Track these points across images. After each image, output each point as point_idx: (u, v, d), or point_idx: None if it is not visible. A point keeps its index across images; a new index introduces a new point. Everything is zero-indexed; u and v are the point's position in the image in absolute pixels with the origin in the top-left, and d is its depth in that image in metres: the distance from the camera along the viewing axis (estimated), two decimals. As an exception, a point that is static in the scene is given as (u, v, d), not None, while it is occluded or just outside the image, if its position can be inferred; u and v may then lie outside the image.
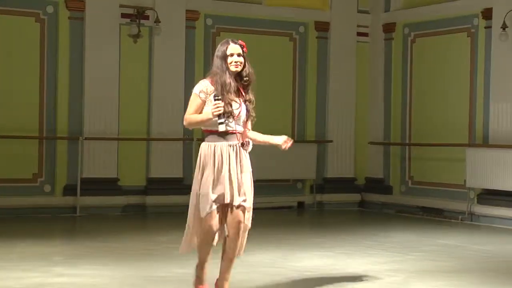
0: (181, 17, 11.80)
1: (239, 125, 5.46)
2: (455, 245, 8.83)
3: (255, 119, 5.59)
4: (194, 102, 5.45)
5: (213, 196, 5.36)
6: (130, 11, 11.50)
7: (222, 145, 5.41)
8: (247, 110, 5.50)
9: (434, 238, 9.42)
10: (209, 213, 5.35)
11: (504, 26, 10.68)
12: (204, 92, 5.42)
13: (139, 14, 11.50)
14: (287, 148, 5.64)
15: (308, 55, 12.78)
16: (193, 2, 11.93)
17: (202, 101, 5.42)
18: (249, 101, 5.50)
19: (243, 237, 5.47)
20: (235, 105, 5.41)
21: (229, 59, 5.43)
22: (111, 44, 11.36)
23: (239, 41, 5.53)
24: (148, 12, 11.58)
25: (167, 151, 11.67)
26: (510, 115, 10.85)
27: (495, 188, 10.84)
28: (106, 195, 11.20)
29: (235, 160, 5.41)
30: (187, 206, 12.48)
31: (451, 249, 8.50)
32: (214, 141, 5.43)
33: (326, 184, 12.76)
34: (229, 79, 5.40)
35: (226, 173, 5.37)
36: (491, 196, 10.96)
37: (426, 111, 12.29)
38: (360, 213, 12.53)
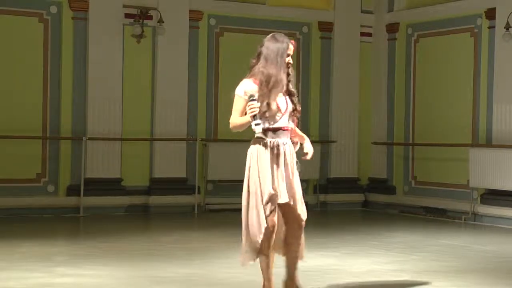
0: (185, 17, 11.80)
1: (287, 121, 5.37)
2: (459, 245, 8.82)
3: (299, 113, 5.52)
4: (237, 104, 5.32)
5: (273, 194, 5.21)
6: (134, 11, 11.50)
7: (273, 143, 5.31)
8: (293, 106, 5.41)
9: (437, 238, 9.41)
10: (273, 211, 5.21)
11: (507, 26, 10.67)
12: (246, 92, 5.29)
13: (142, 14, 11.50)
14: (306, 158, 5.51)
15: (311, 55, 12.77)
16: (196, 2, 11.92)
17: (246, 101, 5.27)
18: (293, 95, 5.43)
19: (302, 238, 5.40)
20: (283, 103, 5.32)
21: (287, 59, 5.33)
22: (115, 44, 11.36)
23: (292, 41, 5.41)
24: (151, 12, 11.58)
25: (171, 151, 11.66)
26: (514, 115, 10.84)
27: (498, 188, 10.82)
28: (110, 195, 11.20)
29: (286, 158, 5.33)
30: (190, 206, 12.51)
31: (455, 249, 8.49)
32: (267, 137, 5.29)
33: (329, 184, 12.75)
34: (281, 75, 5.29)
35: (281, 172, 5.28)
36: (494, 196, 10.95)
37: (429, 111, 12.28)
38: (364, 213, 12.53)
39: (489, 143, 11.16)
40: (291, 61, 5.37)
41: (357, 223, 11.12)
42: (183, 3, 11.80)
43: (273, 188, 5.22)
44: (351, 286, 6.26)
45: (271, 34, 5.41)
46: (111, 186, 11.27)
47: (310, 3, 12.72)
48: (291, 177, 5.33)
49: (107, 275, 6.53)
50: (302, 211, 5.36)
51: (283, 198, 5.25)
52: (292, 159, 5.38)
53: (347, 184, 12.86)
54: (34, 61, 11.07)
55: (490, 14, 11.19)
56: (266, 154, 5.27)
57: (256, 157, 5.29)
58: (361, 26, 12.99)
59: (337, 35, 12.80)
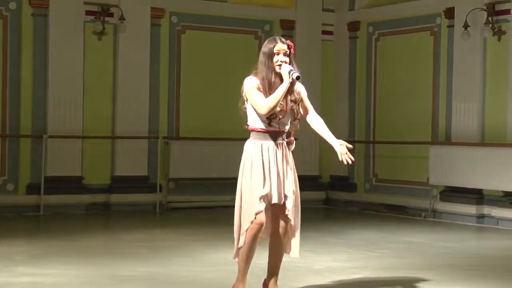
0: (146, 15, 11.75)
1: (285, 122, 5.42)
2: (419, 242, 8.91)
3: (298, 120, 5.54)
4: (256, 92, 5.29)
5: (264, 194, 5.28)
6: (95, 8, 11.42)
7: (269, 144, 5.36)
8: (293, 109, 5.44)
9: (398, 235, 9.49)
10: (262, 210, 5.28)
11: (466, 26, 10.80)
12: (257, 84, 5.32)
13: (103, 12, 11.43)
14: (345, 161, 5.51)
15: (273, 53, 12.77)
16: (158, 0, 11.87)
17: (261, 91, 5.30)
18: (294, 101, 5.45)
19: (292, 235, 5.45)
20: (279, 105, 5.34)
21: (275, 58, 5.35)
22: (75, 41, 11.27)
23: (288, 41, 5.45)
24: (112, 10, 11.51)
25: (132, 149, 11.61)
26: (472, 113, 10.97)
27: (457, 186, 10.95)
28: (70, 194, 11.11)
29: (281, 159, 5.37)
30: (152, 204, 12.46)
31: (415, 246, 8.57)
32: (261, 139, 5.37)
33: (291, 182, 12.76)
34: (274, 78, 5.33)
35: (274, 172, 5.33)
36: (453, 193, 11.07)
37: (390, 109, 12.38)
38: (325, 210, 12.59)
39: (448, 141, 11.29)
40: (283, 59, 5.34)
41: (318, 221, 11.15)
42: (144, 0, 11.74)
43: (264, 188, 5.28)
44: (312, 284, 6.28)
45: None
46: (72, 184, 11.19)
47: (272, 1, 12.75)
48: (283, 177, 5.36)
49: (67, 274, 6.47)
50: (285, 211, 5.39)
51: (274, 199, 5.32)
52: (285, 159, 5.41)
53: (309, 182, 12.85)
54: (-7, 58, 10.94)
55: (449, 13, 11.31)
56: (259, 154, 5.33)
57: (250, 157, 5.35)
58: (323, 24, 13.05)
59: (299, 33, 12.84)
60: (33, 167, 11.08)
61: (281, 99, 5.29)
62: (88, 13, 11.38)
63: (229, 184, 11.72)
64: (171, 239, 8.75)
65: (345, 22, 13.00)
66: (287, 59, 5.36)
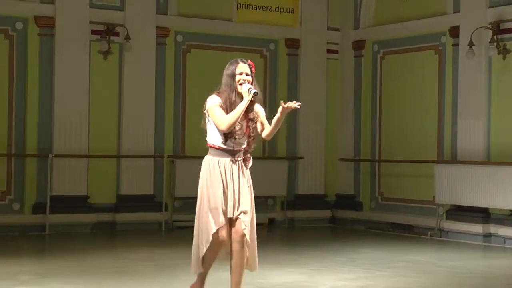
0: (152, 34, 11.82)
1: (241, 142, 5.66)
2: (425, 261, 8.90)
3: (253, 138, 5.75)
4: (218, 109, 5.59)
5: (222, 209, 5.53)
6: (100, 27, 11.49)
7: (225, 161, 5.61)
8: (249, 127, 5.67)
9: (403, 254, 9.48)
10: (221, 226, 5.52)
11: (470, 44, 10.84)
12: (220, 102, 5.59)
13: (109, 31, 11.50)
14: (292, 106, 5.68)
15: (278, 72, 12.85)
16: (163, 19, 11.96)
17: (223, 109, 5.57)
18: (252, 120, 5.69)
19: (250, 250, 5.62)
20: (237, 124, 5.60)
21: (237, 77, 5.62)
22: (81, 60, 11.34)
23: (248, 61, 5.74)
24: (118, 29, 11.59)
25: (138, 168, 11.64)
26: (478, 132, 10.98)
27: (463, 204, 10.94)
28: (76, 213, 11.13)
29: (237, 175, 5.60)
30: (158, 223, 12.48)
31: (421, 265, 8.57)
32: (218, 156, 5.62)
33: (297, 201, 12.80)
34: (235, 97, 5.60)
35: (230, 188, 5.56)
36: (459, 212, 11.06)
37: (395, 128, 12.40)
38: (331, 229, 12.57)
39: (454, 159, 11.29)
40: (245, 78, 5.61)
41: (324, 239, 11.14)
42: (150, 19, 11.82)
43: (222, 203, 5.52)
44: (318, 303, 6.29)
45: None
46: (78, 203, 11.21)
47: (277, 20, 12.82)
48: (238, 193, 5.58)
49: (73, 294, 6.48)
50: (240, 226, 5.55)
51: (230, 213, 5.54)
52: (241, 176, 5.62)
53: (315, 201, 12.91)
54: (-1, 78, 11.03)
55: (454, 32, 11.36)
56: (216, 171, 5.58)
57: (208, 173, 5.61)
58: (328, 43, 13.11)
59: (304, 52, 12.90)
60: (39, 187, 11.12)
61: (241, 116, 5.56)
62: (93, 32, 11.46)
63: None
64: (177, 258, 8.76)
65: (350, 40, 13.06)
66: (249, 78, 5.66)
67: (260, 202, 12.66)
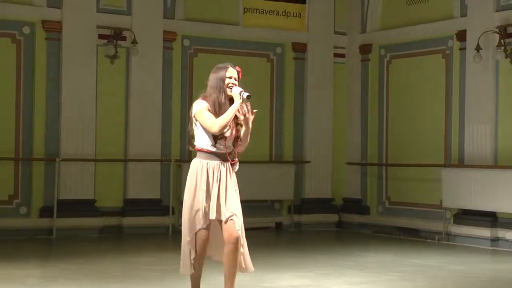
0: (159, 38, 11.85)
1: (230, 145, 5.74)
2: (432, 266, 8.89)
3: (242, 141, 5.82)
4: (207, 113, 5.66)
5: (205, 211, 5.62)
6: (107, 32, 11.52)
7: (214, 164, 5.67)
8: (238, 130, 5.77)
9: (411, 258, 9.47)
10: (203, 228, 5.62)
11: (478, 48, 10.83)
12: (207, 106, 5.68)
13: (116, 35, 11.53)
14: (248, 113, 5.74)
15: (285, 76, 12.86)
16: (170, 23, 11.98)
17: (211, 112, 5.66)
18: (240, 124, 5.77)
19: (242, 251, 5.67)
20: (228, 126, 5.69)
21: (227, 81, 5.72)
22: (88, 65, 11.37)
23: (237, 67, 5.83)
24: (125, 33, 11.61)
25: (144, 172, 11.66)
26: (485, 136, 10.97)
27: (471, 208, 10.92)
28: (83, 217, 11.15)
29: (225, 178, 5.67)
30: (165, 227, 12.50)
31: (428, 270, 8.56)
32: (206, 159, 5.69)
33: (303, 205, 12.79)
34: (224, 100, 5.69)
35: (216, 190, 5.63)
36: (467, 216, 11.05)
37: (402, 131, 12.39)
38: (338, 233, 12.57)
39: (461, 163, 11.28)
40: (234, 82, 5.73)
41: (331, 244, 11.14)
42: (157, 24, 11.85)
43: (205, 205, 5.59)
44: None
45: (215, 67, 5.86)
46: (85, 207, 11.23)
47: (283, 24, 12.83)
48: (225, 195, 5.65)
49: (80, 298, 6.50)
50: (234, 227, 5.61)
51: (212, 215, 5.60)
52: (228, 179, 5.69)
53: (321, 205, 12.91)
54: (6, 82, 11.04)
55: (461, 36, 11.35)
56: (203, 173, 5.65)
57: (195, 175, 5.67)
58: (335, 47, 13.12)
59: (311, 56, 12.91)
60: (46, 190, 11.14)
61: (232, 118, 5.65)
62: (101, 36, 11.49)
63: (243, 206, 11.78)
64: (184, 262, 8.75)
65: (357, 44, 13.06)
66: (236, 83, 5.77)
67: (267, 206, 12.68)
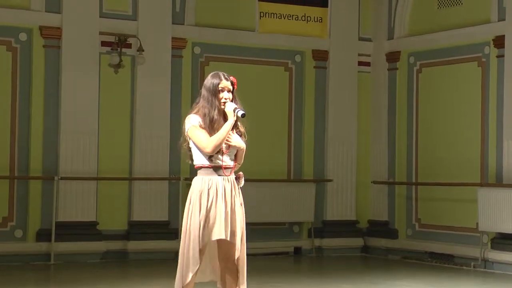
0: (167, 46, 11.86)
1: (230, 159, 5.79)
2: (468, 295, 8.82)
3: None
4: (199, 131, 5.71)
5: (205, 232, 5.63)
6: (111, 38, 11.55)
7: (217, 179, 5.74)
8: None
9: (444, 286, 9.40)
10: (200, 249, 5.63)
11: (517, 55, 10.78)
12: (199, 122, 5.73)
13: (120, 42, 11.55)
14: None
15: (305, 86, 12.84)
16: (179, 29, 11.99)
17: (203, 128, 5.71)
18: (239, 135, 5.84)
19: (241, 270, 5.74)
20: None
21: (220, 95, 5.75)
22: (90, 74, 11.39)
23: (231, 77, 5.84)
24: (130, 40, 11.63)
25: (151, 192, 11.65)
26: (526, 152, 10.91)
27: (510, 232, 10.84)
28: (84, 241, 11.16)
29: (230, 194, 5.72)
30: (173, 252, 12.46)
31: (464, 300, 8.48)
32: (208, 175, 5.76)
33: (325, 228, 12.75)
34: (217, 115, 5.73)
35: (222, 208, 5.66)
36: (506, 240, 10.98)
37: (434, 147, 12.34)
38: (363, 259, 12.53)
39: (499, 182, 11.21)
40: (227, 96, 5.76)
41: (356, 270, 11.11)
42: (165, 30, 11.86)
43: (205, 225, 5.62)
44: None
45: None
46: (86, 230, 11.23)
47: (303, 30, 12.81)
48: (231, 213, 5.70)
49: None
50: (236, 248, 5.69)
51: (216, 235, 5.63)
52: (233, 196, 5.75)
53: (345, 228, 12.87)
54: (1, 94, 11.07)
55: (499, 42, 11.30)
56: (205, 192, 5.70)
57: (197, 193, 5.72)
58: (359, 54, 13.10)
59: (333, 64, 12.89)
60: (44, 212, 11.15)
61: (226, 137, 5.69)
62: (104, 44, 11.52)
63: (257, 230, 11.71)
64: (194, 291, 8.70)
65: (384, 52, 13.05)
66: (230, 96, 5.79)
67: (285, 229, 12.63)
